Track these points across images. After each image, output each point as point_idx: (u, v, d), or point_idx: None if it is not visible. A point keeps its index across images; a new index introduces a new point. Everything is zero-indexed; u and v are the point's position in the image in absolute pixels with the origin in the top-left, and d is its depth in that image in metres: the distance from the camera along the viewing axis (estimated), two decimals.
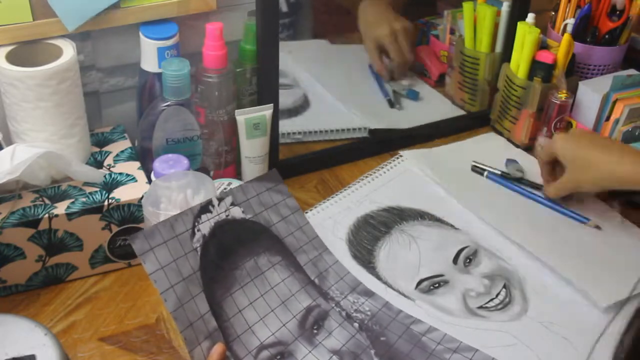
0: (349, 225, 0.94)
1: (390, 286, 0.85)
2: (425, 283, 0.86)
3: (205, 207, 0.77)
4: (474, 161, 1.06)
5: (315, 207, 0.97)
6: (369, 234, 0.93)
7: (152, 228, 0.72)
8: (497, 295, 0.85)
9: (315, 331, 0.77)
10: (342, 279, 0.84)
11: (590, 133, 1.01)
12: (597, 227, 0.95)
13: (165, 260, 0.71)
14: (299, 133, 1.09)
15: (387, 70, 1.21)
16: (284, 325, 0.76)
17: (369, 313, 0.81)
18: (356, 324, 0.79)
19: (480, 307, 0.83)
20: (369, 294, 0.83)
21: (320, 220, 0.95)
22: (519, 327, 0.81)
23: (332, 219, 0.95)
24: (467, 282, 0.86)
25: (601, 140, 0.93)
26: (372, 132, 1.12)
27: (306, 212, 0.95)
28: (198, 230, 0.75)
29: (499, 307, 0.83)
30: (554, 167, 0.97)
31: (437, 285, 0.85)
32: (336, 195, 1.00)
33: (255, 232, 0.81)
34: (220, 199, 0.79)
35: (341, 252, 0.89)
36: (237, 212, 0.80)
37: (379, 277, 0.86)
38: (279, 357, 0.74)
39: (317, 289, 0.82)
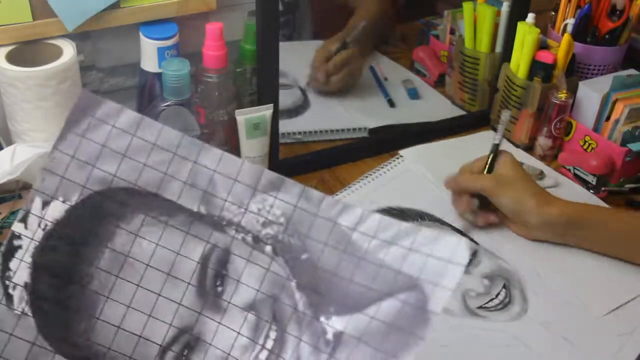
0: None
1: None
2: None
3: (10, 251, 0.57)
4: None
5: None
6: None
7: None
8: (497, 296, 0.85)
9: (219, 288, 0.58)
10: (235, 180, 0.59)
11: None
12: None
13: None
14: (299, 133, 1.09)
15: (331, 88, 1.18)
16: (179, 304, 0.58)
17: (282, 219, 0.58)
18: (268, 248, 0.58)
19: (480, 307, 0.83)
20: (276, 185, 0.59)
21: None
22: (519, 327, 0.81)
23: None
24: (466, 282, 0.86)
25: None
26: (372, 131, 1.12)
27: None
28: (14, 287, 0.57)
29: (499, 307, 0.83)
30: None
31: None
32: (336, 195, 1.00)
33: (93, 213, 0.58)
34: (23, 219, 0.57)
35: None
36: (57, 210, 0.58)
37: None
38: (186, 352, 0.58)
39: (206, 219, 0.59)
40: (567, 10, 1.16)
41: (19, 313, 0.57)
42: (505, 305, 0.83)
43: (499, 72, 1.13)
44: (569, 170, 1.06)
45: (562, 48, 1.07)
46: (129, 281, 0.58)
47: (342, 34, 1.17)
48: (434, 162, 1.05)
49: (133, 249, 0.58)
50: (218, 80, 0.91)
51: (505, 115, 0.97)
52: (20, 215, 0.58)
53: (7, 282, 0.57)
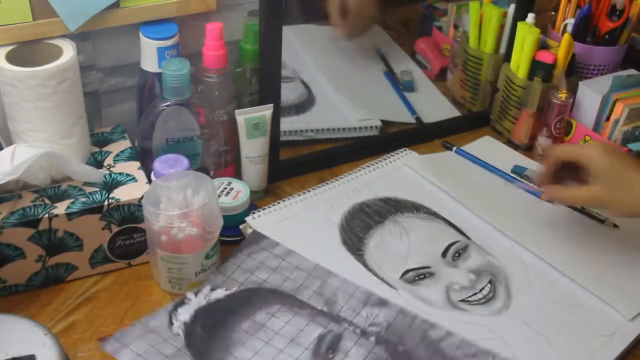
0: (344, 211, 0.95)
1: (375, 274, 0.86)
2: (410, 273, 0.86)
3: (180, 302, 0.78)
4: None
5: (314, 189, 0.98)
6: (362, 221, 0.93)
7: (121, 331, 0.74)
8: (480, 290, 0.85)
9: (330, 356, 0.75)
10: (352, 296, 0.82)
11: (627, 154, 0.92)
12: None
13: (142, 350, 0.72)
14: (311, 131, 1.09)
15: (349, 31, 1.15)
16: (297, 359, 0.75)
17: (384, 324, 0.79)
18: (372, 338, 0.77)
19: (462, 301, 0.83)
20: (382, 303, 0.81)
21: (317, 202, 0.96)
22: (498, 322, 0.81)
23: (328, 202, 0.96)
24: (452, 275, 0.86)
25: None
26: (382, 129, 1.12)
27: (303, 193, 0.97)
28: (176, 319, 0.76)
29: (481, 301, 0.84)
30: (562, 172, 0.87)
31: (422, 276, 0.86)
32: (335, 180, 1.01)
33: (245, 298, 0.80)
34: (196, 292, 0.80)
35: (332, 237, 0.90)
36: (219, 294, 0.80)
37: (365, 265, 0.87)
38: None
39: (327, 315, 0.80)
40: (567, 10, 1.16)
41: (174, 333, 0.75)
42: (488, 300, 0.84)
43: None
44: None
45: (562, 48, 1.07)
46: (259, 339, 0.76)
47: None
48: (435, 168, 1.05)
49: (268, 323, 0.78)
50: (218, 80, 0.91)
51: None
52: (194, 289, 0.80)
53: (172, 316, 0.77)
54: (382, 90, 1.20)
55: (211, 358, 0.73)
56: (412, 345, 0.77)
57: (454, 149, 1.09)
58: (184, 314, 0.77)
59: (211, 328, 0.76)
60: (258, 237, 0.88)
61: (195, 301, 0.79)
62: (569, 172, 0.86)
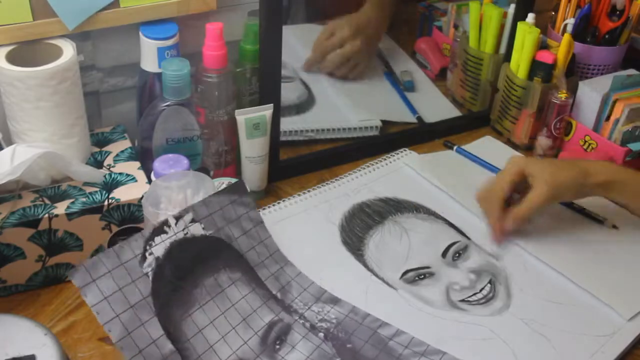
0: (344, 211, 0.95)
1: (375, 274, 0.86)
2: (410, 274, 0.86)
3: (160, 229, 0.74)
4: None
5: (314, 189, 0.99)
6: (362, 221, 0.93)
7: (94, 259, 0.69)
8: (480, 290, 0.85)
9: (277, 346, 0.76)
10: (305, 290, 0.83)
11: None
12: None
13: (109, 290, 0.68)
14: (311, 131, 1.09)
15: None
16: (245, 342, 0.75)
17: (334, 321, 0.79)
18: (321, 334, 0.78)
19: (462, 301, 0.83)
20: (334, 301, 0.82)
21: (317, 202, 0.96)
22: (498, 322, 0.81)
23: (328, 202, 0.96)
24: (452, 275, 0.86)
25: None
26: (382, 129, 1.12)
27: (303, 193, 0.97)
28: (150, 254, 0.72)
29: (482, 301, 0.84)
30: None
31: (422, 276, 0.86)
32: (335, 180, 1.01)
33: (216, 248, 0.79)
34: (178, 217, 0.76)
35: (332, 237, 0.90)
36: (196, 229, 0.77)
37: (365, 265, 0.87)
38: None
39: (280, 303, 0.80)
40: (567, 10, 1.16)
41: (144, 273, 0.71)
42: (488, 300, 0.84)
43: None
44: None
45: (562, 48, 1.07)
46: (218, 306, 0.76)
47: (350, 20, 1.14)
48: (435, 169, 1.05)
49: (228, 289, 0.78)
50: (218, 80, 0.91)
51: None
52: (176, 213, 0.76)
53: (147, 247, 0.73)
54: (382, 90, 1.20)
55: (171, 316, 0.72)
56: (359, 342, 0.77)
57: (455, 147, 1.09)
58: (160, 246, 0.73)
59: (179, 272, 0.74)
60: (243, 189, 0.85)
61: (174, 230, 0.75)
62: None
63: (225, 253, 0.80)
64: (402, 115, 1.16)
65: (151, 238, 0.73)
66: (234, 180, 0.92)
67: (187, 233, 0.76)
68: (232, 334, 0.75)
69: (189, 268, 0.76)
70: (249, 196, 0.85)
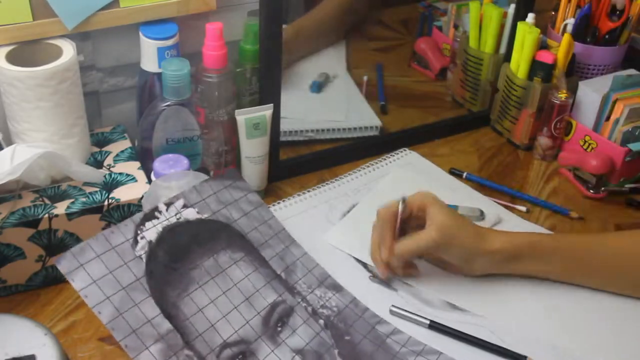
0: (344, 211, 0.95)
1: (375, 275, 0.86)
2: None
3: (150, 215, 0.75)
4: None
5: (313, 190, 0.99)
6: None
7: (82, 245, 0.69)
8: None
9: (279, 328, 0.75)
10: (310, 271, 0.82)
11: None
12: (580, 218, 0.96)
13: (98, 273, 0.68)
14: (311, 131, 1.09)
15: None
16: (247, 322, 0.74)
17: (335, 309, 0.79)
18: (321, 321, 0.77)
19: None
20: (337, 288, 0.82)
21: (317, 202, 0.96)
22: (497, 322, 0.81)
23: (328, 203, 0.96)
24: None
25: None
26: (382, 129, 1.12)
27: (303, 194, 0.97)
28: (142, 238, 0.73)
29: None
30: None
31: None
32: (335, 180, 1.01)
33: (214, 230, 0.79)
34: (168, 204, 0.76)
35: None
36: (190, 214, 0.77)
37: (365, 266, 0.87)
38: (240, 356, 0.72)
39: (284, 283, 0.79)
40: (567, 10, 1.16)
41: (137, 255, 0.71)
42: None
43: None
44: (569, 170, 1.07)
45: (562, 48, 1.07)
46: (218, 286, 0.75)
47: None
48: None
49: (230, 269, 0.77)
50: (218, 80, 0.91)
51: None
52: (167, 200, 0.77)
53: (138, 231, 0.73)
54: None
55: (166, 296, 0.71)
56: (358, 336, 0.77)
57: (465, 174, 1.05)
58: (151, 231, 0.73)
59: (174, 256, 0.74)
60: (236, 176, 0.86)
61: (165, 216, 0.75)
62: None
63: (225, 234, 0.79)
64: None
65: (142, 223, 0.73)
66: None
67: (179, 218, 0.76)
68: (234, 313, 0.74)
69: (185, 251, 0.75)
70: (244, 181, 0.85)
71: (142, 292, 0.69)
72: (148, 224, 0.74)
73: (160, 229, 0.74)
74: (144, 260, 0.71)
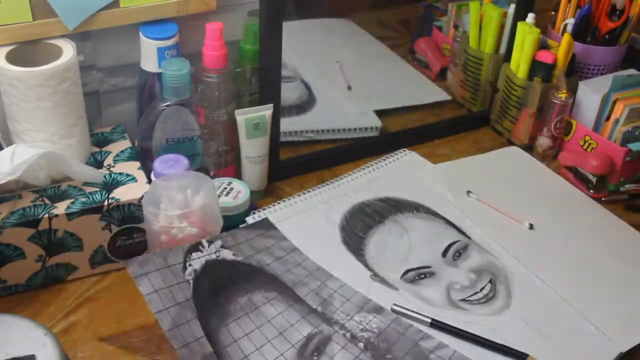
0: (344, 211, 0.95)
1: (376, 274, 0.86)
2: (411, 273, 0.86)
3: (195, 246, 0.79)
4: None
5: (314, 189, 0.98)
6: (363, 222, 0.93)
7: (146, 256, 0.75)
8: (481, 290, 0.85)
9: (315, 358, 0.74)
10: (348, 300, 0.82)
11: None
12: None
13: (158, 285, 0.73)
14: (312, 131, 1.09)
15: None
16: (281, 354, 0.74)
17: (376, 330, 0.78)
18: (361, 344, 0.76)
19: (463, 300, 0.84)
20: (377, 310, 0.81)
21: (317, 202, 0.96)
22: (499, 321, 0.81)
23: (328, 203, 0.96)
24: (453, 275, 0.86)
25: None
26: (382, 129, 1.12)
27: (303, 194, 0.97)
28: (189, 264, 0.77)
29: (482, 301, 0.84)
30: None
31: (422, 276, 0.86)
32: (335, 180, 1.01)
33: (248, 272, 0.81)
34: (210, 242, 0.80)
35: (332, 237, 0.90)
36: (227, 254, 0.81)
37: (366, 265, 0.87)
38: None
39: (320, 315, 0.79)
40: (567, 10, 1.16)
41: (185, 279, 0.75)
42: (488, 299, 0.84)
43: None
44: (570, 170, 1.07)
45: (562, 48, 1.07)
46: (252, 321, 0.76)
47: None
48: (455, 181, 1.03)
49: (263, 307, 0.78)
50: (218, 80, 0.91)
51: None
52: (208, 239, 0.81)
53: (187, 259, 0.78)
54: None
55: (209, 322, 0.74)
56: (400, 354, 0.76)
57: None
58: (197, 260, 0.78)
59: (215, 287, 0.77)
60: (269, 225, 0.89)
61: (207, 251, 0.80)
62: None
63: (258, 276, 0.82)
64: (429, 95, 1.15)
65: (189, 252, 0.78)
66: (234, 180, 0.92)
67: (218, 256, 0.80)
68: (267, 347, 0.75)
69: (222, 287, 0.78)
70: (276, 230, 0.88)
71: (191, 312, 0.73)
72: (194, 254, 0.78)
73: (204, 262, 0.78)
74: (192, 285, 0.75)
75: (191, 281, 0.75)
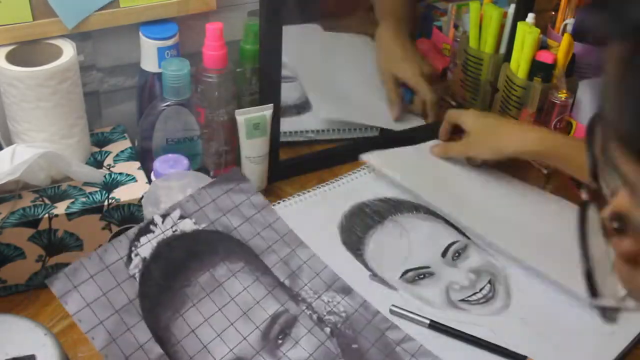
0: (344, 211, 0.95)
1: (375, 274, 0.86)
2: (410, 273, 0.86)
3: (145, 228, 0.72)
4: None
5: (314, 189, 0.99)
6: (362, 221, 0.94)
7: (75, 264, 0.67)
8: (480, 290, 0.85)
9: (279, 341, 0.71)
10: (317, 275, 0.78)
11: (496, 115, 1.11)
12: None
13: (92, 296, 0.66)
14: (312, 132, 1.09)
15: (402, 103, 1.15)
16: (244, 338, 0.70)
17: (343, 314, 0.76)
18: (327, 329, 0.74)
19: (462, 300, 0.84)
20: (346, 291, 0.79)
21: (317, 202, 0.96)
22: (498, 321, 0.81)
23: (328, 202, 0.96)
24: (452, 275, 0.86)
25: (507, 120, 1.05)
26: (382, 129, 1.12)
27: (303, 194, 0.97)
28: (136, 255, 0.70)
29: (481, 301, 0.84)
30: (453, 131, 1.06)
31: (422, 276, 0.86)
32: (335, 180, 1.01)
33: (211, 241, 0.75)
34: (164, 215, 0.74)
35: (332, 237, 0.91)
36: (187, 225, 0.74)
37: (365, 265, 0.87)
38: None
39: (287, 291, 0.76)
40: (567, 10, 1.16)
41: (130, 275, 0.69)
42: (487, 299, 0.84)
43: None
44: None
45: (562, 48, 1.07)
46: (214, 302, 0.71)
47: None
48: (402, 166, 1.03)
49: (227, 282, 0.73)
50: (218, 80, 0.91)
51: None
52: (162, 211, 0.73)
53: (133, 248, 0.70)
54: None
55: (159, 319, 0.69)
56: (366, 344, 0.74)
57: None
58: (146, 247, 0.71)
59: (168, 273, 0.71)
60: (240, 177, 0.81)
61: (161, 229, 0.72)
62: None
63: (223, 244, 0.76)
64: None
65: (136, 239, 0.71)
66: None
67: (175, 230, 0.73)
68: (229, 331, 0.70)
69: (181, 266, 0.73)
70: (248, 182, 0.82)
71: (135, 315, 0.67)
72: (143, 239, 0.71)
73: (155, 244, 0.71)
74: (138, 280, 0.69)
75: (137, 275, 0.69)
